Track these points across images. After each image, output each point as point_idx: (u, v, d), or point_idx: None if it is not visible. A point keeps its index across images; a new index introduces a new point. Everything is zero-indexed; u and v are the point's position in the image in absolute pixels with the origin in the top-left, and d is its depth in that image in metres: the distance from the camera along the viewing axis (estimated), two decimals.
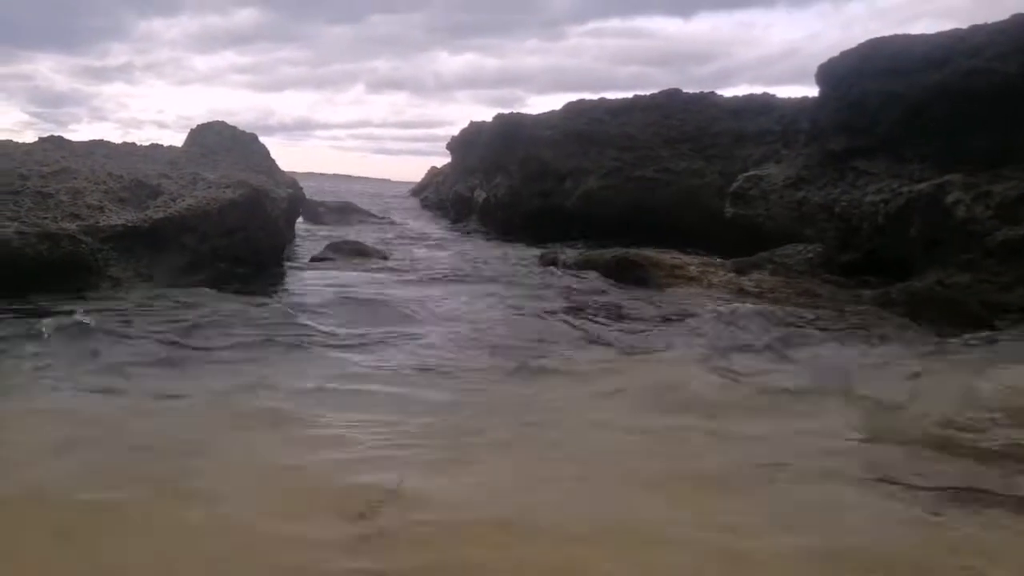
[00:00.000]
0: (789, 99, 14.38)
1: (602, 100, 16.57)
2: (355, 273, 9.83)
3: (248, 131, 11.42)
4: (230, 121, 11.52)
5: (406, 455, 3.54)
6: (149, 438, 3.64)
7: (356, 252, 11.38)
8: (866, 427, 4.12)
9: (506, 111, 18.42)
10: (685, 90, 15.81)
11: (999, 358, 5.23)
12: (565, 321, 6.90)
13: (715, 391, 4.77)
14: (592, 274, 9.42)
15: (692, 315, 7.09)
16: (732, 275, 9.03)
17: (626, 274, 9.21)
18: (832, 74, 10.26)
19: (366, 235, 14.54)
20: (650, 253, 9.77)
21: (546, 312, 7.24)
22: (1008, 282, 7.01)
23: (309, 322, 6.39)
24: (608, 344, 6.14)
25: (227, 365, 5.07)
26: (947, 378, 4.90)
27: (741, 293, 8.27)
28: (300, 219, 13.82)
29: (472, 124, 20.96)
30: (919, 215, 8.11)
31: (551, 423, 4.12)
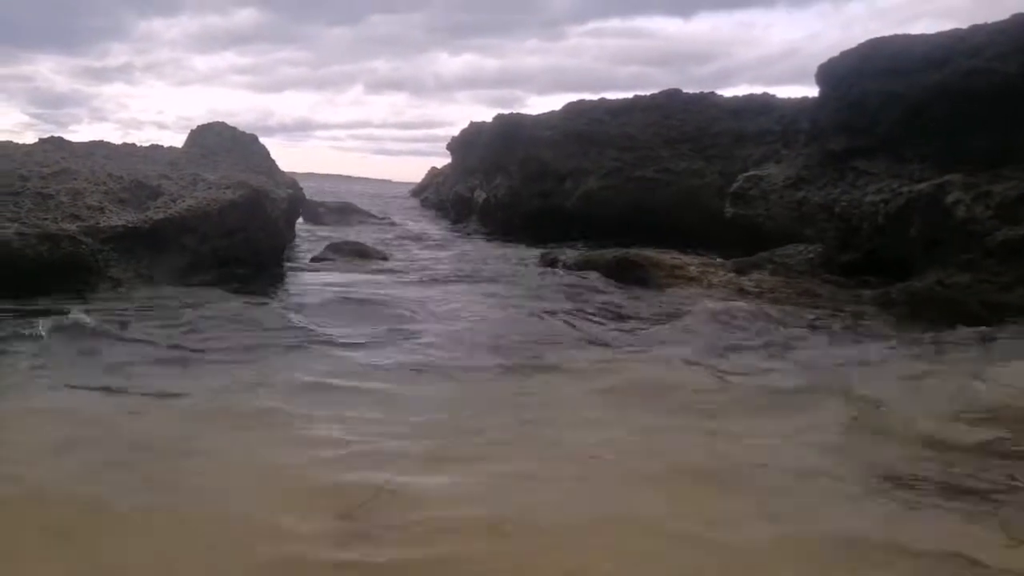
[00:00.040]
0: (789, 99, 14.40)
1: (602, 100, 16.58)
2: (355, 274, 9.84)
3: (248, 132, 11.43)
4: (230, 122, 11.52)
5: (404, 453, 3.54)
6: (148, 437, 3.65)
7: (356, 253, 11.39)
8: (863, 426, 4.12)
9: (506, 111, 18.45)
10: (685, 90, 15.83)
11: (997, 357, 5.23)
12: (565, 321, 6.90)
13: (714, 390, 4.78)
14: (592, 274, 9.43)
15: (691, 315, 7.09)
16: (732, 275, 9.03)
17: (626, 274, 9.22)
18: (832, 74, 10.25)
19: (366, 236, 14.54)
20: (650, 253, 9.78)
21: (546, 312, 7.24)
22: (1008, 282, 7.00)
23: (309, 322, 6.40)
24: (608, 344, 6.15)
25: (227, 365, 5.07)
26: (945, 378, 4.90)
27: (741, 293, 8.28)
28: (300, 220, 13.82)
29: (472, 125, 20.97)
30: (919, 215, 8.11)
31: (549, 421, 4.13)
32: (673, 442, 3.82)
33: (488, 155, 18.37)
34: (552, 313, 7.20)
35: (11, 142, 9.32)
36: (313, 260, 10.85)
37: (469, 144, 20.49)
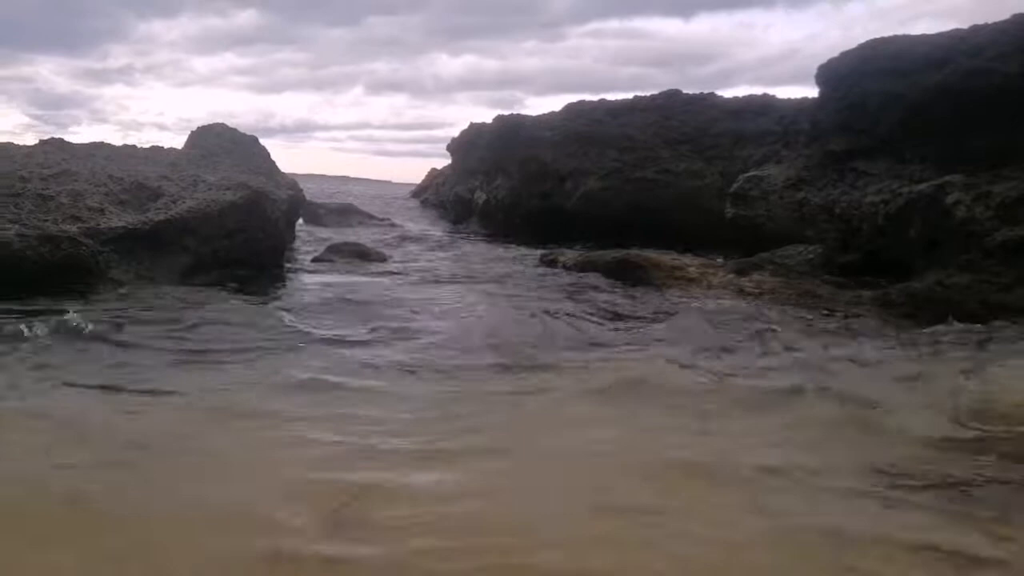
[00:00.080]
0: (789, 100, 14.37)
1: (602, 101, 16.58)
2: (355, 275, 9.85)
3: (248, 133, 11.43)
4: (230, 123, 11.53)
5: (398, 450, 3.56)
6: (147, 437, 3.66)
7: (356, 253, 11.40)
8: (856, 424, 4.13)
9: (506, 112, 18.44)
10: (685, 91, 15.83)
11: (994, 357, 5.23)
12: (564, 321, 6.91)
13: (710, 389, 4.79)
14: (592, 275, 9.44)
15: (691, 315, 7.09)
16: (732, 276, 9.03)
17: (626, 275, 9.23)
18: (832, 74, 10.25)
19: (366, 236, 14.55)
20: (650, 254, 9.79)
21: (545, 312, 7.24)
22: (1008, 282, 6.99)
23: (308, 322, 6.41)
24: (606, 344, 6.15)
25: (226, 364, 5.08)
26: (941, 377, 4.91)
27: (741, 294, 8.28)
28: (300, 221, 13.82)
29: (472, 126, 20.96)
30: (919, 216, 8.11)
31: (545, 418, 4.14)
32: (668, 439, 3.83)
33: (488, 156, 18.38)
34: (551, 313, 7.20)
35: (11, 143, 9.33)
36: (313, 261, 10.86)
37: (469, 145, 20.50)
